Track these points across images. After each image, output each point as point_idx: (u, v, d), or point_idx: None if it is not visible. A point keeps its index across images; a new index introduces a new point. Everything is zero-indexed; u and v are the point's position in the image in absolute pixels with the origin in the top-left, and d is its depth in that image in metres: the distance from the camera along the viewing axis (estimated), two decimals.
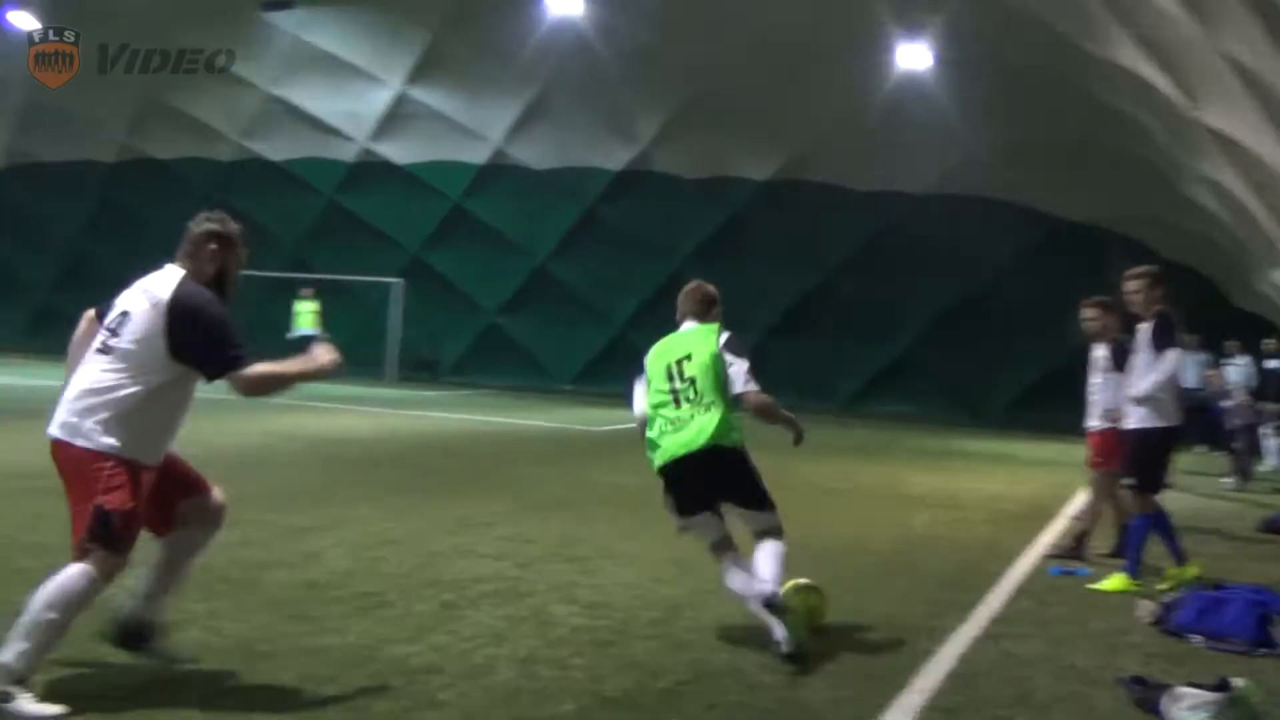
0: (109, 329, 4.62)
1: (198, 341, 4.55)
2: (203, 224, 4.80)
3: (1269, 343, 18.94)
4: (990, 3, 17.09)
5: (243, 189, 30.81)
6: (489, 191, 28.85)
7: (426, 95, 26.97)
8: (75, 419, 4.50)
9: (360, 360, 28.81)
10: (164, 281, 4.65)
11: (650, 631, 5.96)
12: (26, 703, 4.21)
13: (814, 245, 26.35)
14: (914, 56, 20.72)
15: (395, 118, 28.01)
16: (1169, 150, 17.02)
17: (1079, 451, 19.01)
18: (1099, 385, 9.39)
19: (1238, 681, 4.99)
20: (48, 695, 4.34)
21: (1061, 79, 18.20)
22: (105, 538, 4.44)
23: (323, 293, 27.68)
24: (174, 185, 31.35)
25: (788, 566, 6.02)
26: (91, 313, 4.95)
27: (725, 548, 6.00)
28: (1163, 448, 7.98)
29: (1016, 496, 13.00)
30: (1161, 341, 7.77)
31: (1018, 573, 8.25)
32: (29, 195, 33.39)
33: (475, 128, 27.65)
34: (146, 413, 4.55)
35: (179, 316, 4.53)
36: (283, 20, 24.87)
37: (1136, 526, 8.01)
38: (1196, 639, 6.41)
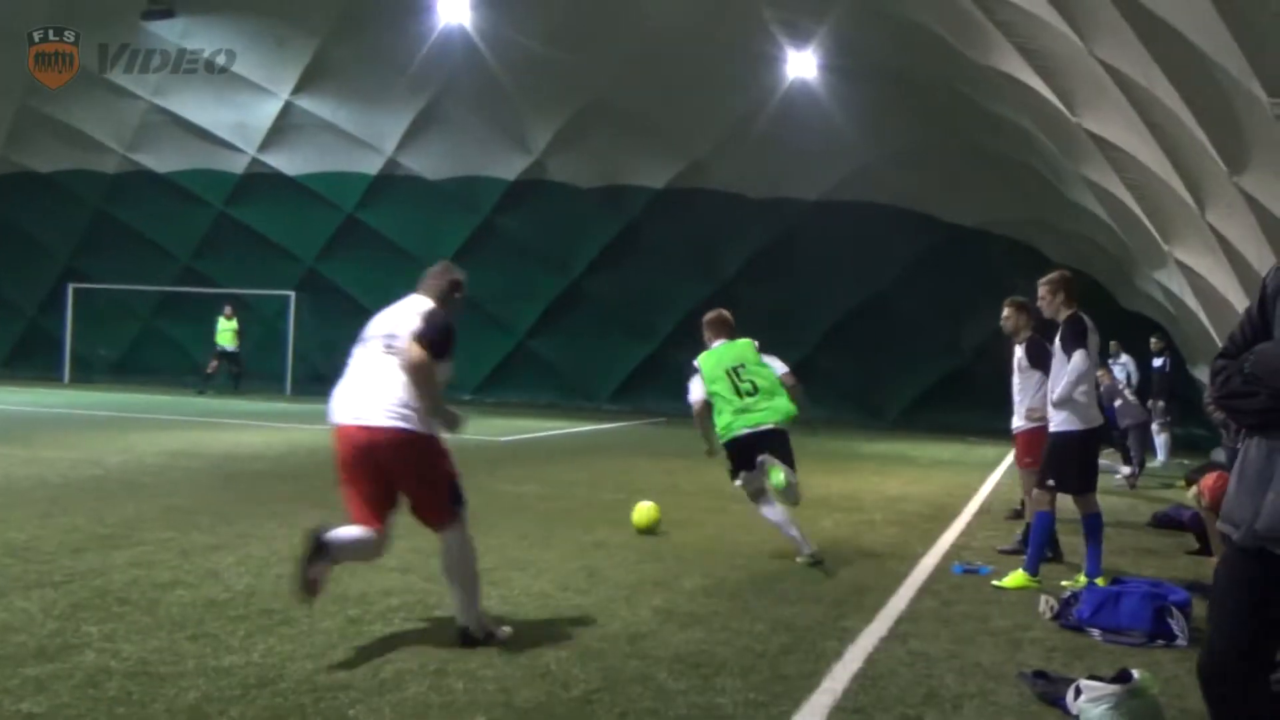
0: (386, 343, 6.00)
1: (448, 344, 5.96)
2: (449, 274, 6.34)
3: (1155, 342, 19.49)
4: (873, 11, 17.27)
5: (129, 201, 30.19)
6: (383, 202, 28.50)
7: (315, 105, 26.54)
8: (389, 407, 5.78)
9: (259, 374, 28.42)
10: (424, 306, 6.13)
11: (561, 641, 5.94)
12: (505, 631, 5.97)
13: (712, 252, 26.51)
14: (803, 64, 20.92)
15: (284, 128, 27.52)
16: (1053, 155, 17.37)
17: (977, 452, 19.55)
18: (1018, 385, 9.60)
19: (1136, 673, 5.11)
20: None
21: (947, 86, 18.49)
22: (460, 501, 6.01)
23: (224, 307, 27.53)
24: (57, 198, 30.56)
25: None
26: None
27: (762, 494, 8.69)
28: (1082, 450, 8.14)
29: (918, 497, 13.19)
30: (1068, 345, 8.00)
31: (921, 572, 8.38)
32: None
33: (366, 138, 27.30)
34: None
35: (429, 329, 5.99)
36: (165, 30, 24.31)
37: (1038, 525, 8.19)
38: (1095, 633, 6.57)
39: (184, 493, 10.87)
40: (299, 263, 29.69)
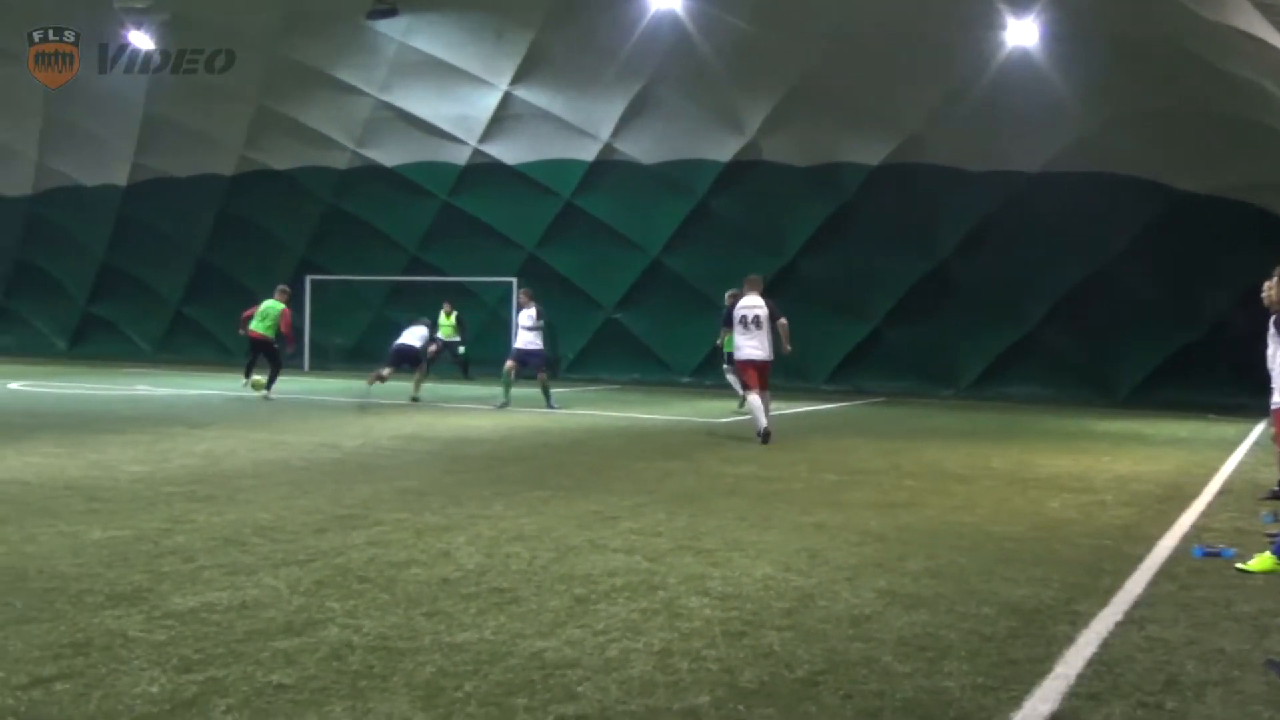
0: (753, 321, 14.88)
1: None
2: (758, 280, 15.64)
3: None
4: None
5: (360, 195, 31.51)
6: (599, 188, 28.92)
7: (532, 95, 27.14)
8: (768, 348, 14.97)
9: (484, 360, 29.20)
10: (761, 299, 15.07)
11: (783, 622, 5.93)
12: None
13: (929, 228, 25.99)
14: (1022, 32, 20.30)
15: (503, 119, 28.22)
16: None
17: (1217, 430, 18.67)
18: (1276, 358, 9.17)
19: None
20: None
21: (1176, 47, 17.68)
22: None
23: (448, 296, 28.48)
24: (293, 194, 32.09)
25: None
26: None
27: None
28: None
29: (1152, 477, 12.66)
30: None
31: (1158, 555, 8.04)
32: (154, 211, 34.36)
33: (582, 125, 27.74)
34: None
35: (773, 310, 15.02)
36: (389, 28, 25.24)
37: None
38: None
39: (416, 475, 11.28)
40: (520, 250, 30.40)
